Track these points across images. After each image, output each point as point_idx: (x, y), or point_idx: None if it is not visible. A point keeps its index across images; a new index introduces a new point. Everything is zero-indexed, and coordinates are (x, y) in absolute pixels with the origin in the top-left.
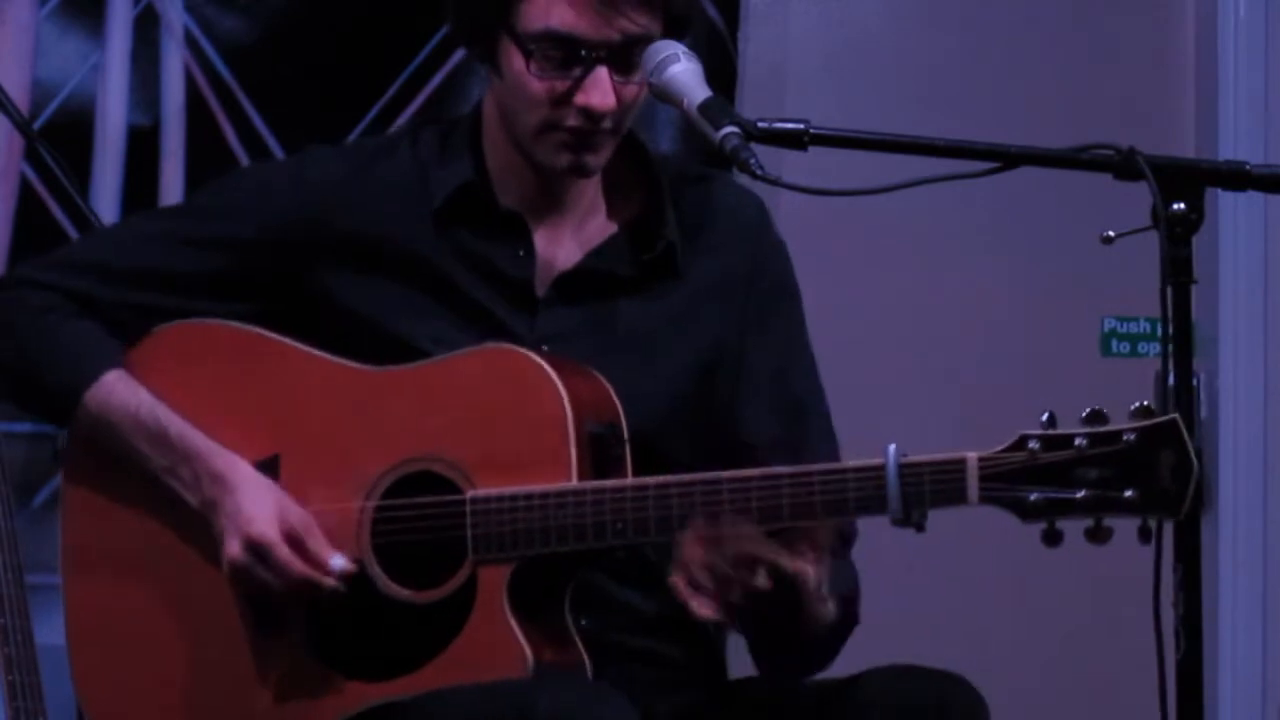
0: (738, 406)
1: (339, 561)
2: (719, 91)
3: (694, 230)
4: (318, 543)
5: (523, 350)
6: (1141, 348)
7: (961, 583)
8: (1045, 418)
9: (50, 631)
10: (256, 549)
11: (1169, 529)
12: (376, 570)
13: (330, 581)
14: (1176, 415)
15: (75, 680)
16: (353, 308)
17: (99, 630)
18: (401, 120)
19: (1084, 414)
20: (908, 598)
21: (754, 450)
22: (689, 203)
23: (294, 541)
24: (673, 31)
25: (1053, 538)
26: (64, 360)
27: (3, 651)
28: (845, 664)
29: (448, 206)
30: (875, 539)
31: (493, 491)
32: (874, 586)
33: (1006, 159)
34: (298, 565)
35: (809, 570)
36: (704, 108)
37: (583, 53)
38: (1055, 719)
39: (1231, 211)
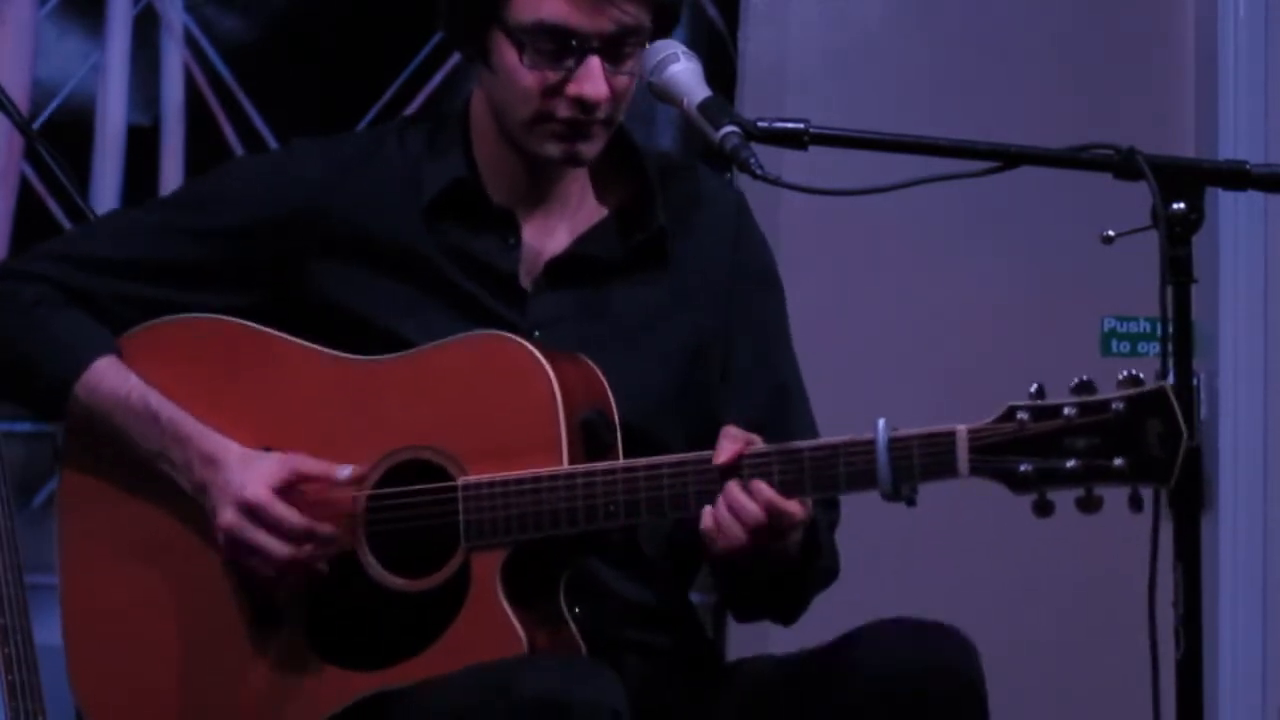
0: (723, 391)
1: (346, 471)
2: (719, 91)
3: (679, 218)
4: (317, 466)
5: (512, 337)
6: (1141, 348)
7: (958, 582)
8: (1034, 389)
9: (50, 631)
10: (251, 510)
11: (1166, 529)
12: (370, 559)
13: (328, 528)
14: (1165, 384)
15: (70, 672)
16: (343, 301)
17: (94, 622)
18: None
19: (1073, 384)
20: (904, 597)
21: None
22: (674, 191)
23: (293, 485)
24: (662, 22)
25: (1043, 508)
26: (54, 352)
27: (3, 651)
28: None
29: (438, 202)
30: (873, 539)
31: (484, 477)
32: (870, 583)
33: (1006, 159)
34: (294, 516)
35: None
36: (704, 107)
37: (574, 43)
38: (1053, 718)
39: (1231, 211)
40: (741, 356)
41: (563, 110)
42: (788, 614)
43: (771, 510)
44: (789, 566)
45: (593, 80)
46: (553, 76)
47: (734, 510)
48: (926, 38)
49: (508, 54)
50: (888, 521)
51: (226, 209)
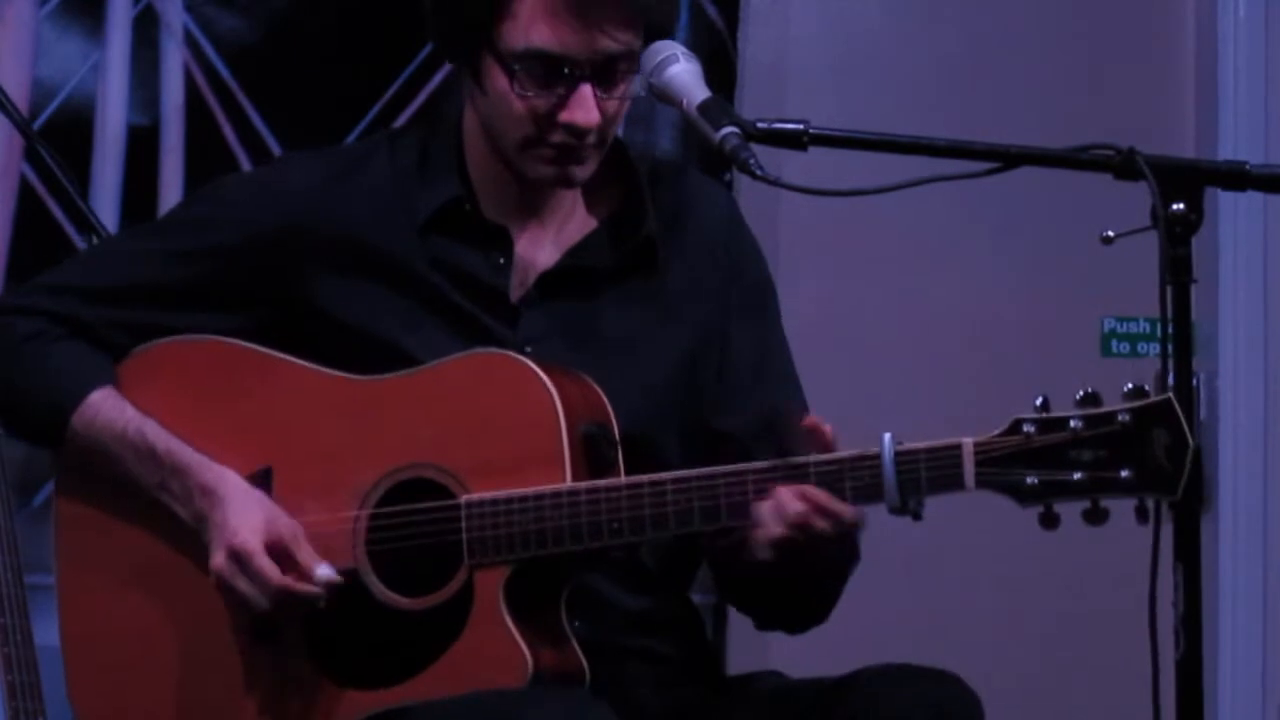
0: (720, 400)
1: (325, 571)
2: (719, 91)
3: (671, 223)
4: (304, 553)
5: (512, 354)
6: (1141, 348)
7: (959, 582)
8: (1039, 401)
9: (50, 632)
10: (238, 558)
11: (1167, 529)
12: (373, 578)
13: (308, 589)
14: (1171, 395)
15: (71, 698)
16: (338, 313)
17: (95, 647)
18: (401, 120)
19: (1078, 396)
20: (906, 598)
21: (735, 442)
22: (665, 196)
23: (278, 552)
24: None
25: (1050, 520)
26: (48, 386)
27: (2, 651)
28: (843, 660)
29: (432, 220)
30: (874, 540)
31: (486, 495)
32: (873, 586)
33: (1006, 159)
34: (275, 575)
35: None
36: (704, 108)
37: (566, 70)
38: (1054, 718)
39: (1231, 211)
40: (738, 365)
41: (554, 136)
42: (819, 616)
43: (820, 510)
44: (832, 568)
45: (584, 108)
46: (543, 103)
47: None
48: (926, 38)
49: (498, 79)
50: (885, 525)
51: (219, 228)
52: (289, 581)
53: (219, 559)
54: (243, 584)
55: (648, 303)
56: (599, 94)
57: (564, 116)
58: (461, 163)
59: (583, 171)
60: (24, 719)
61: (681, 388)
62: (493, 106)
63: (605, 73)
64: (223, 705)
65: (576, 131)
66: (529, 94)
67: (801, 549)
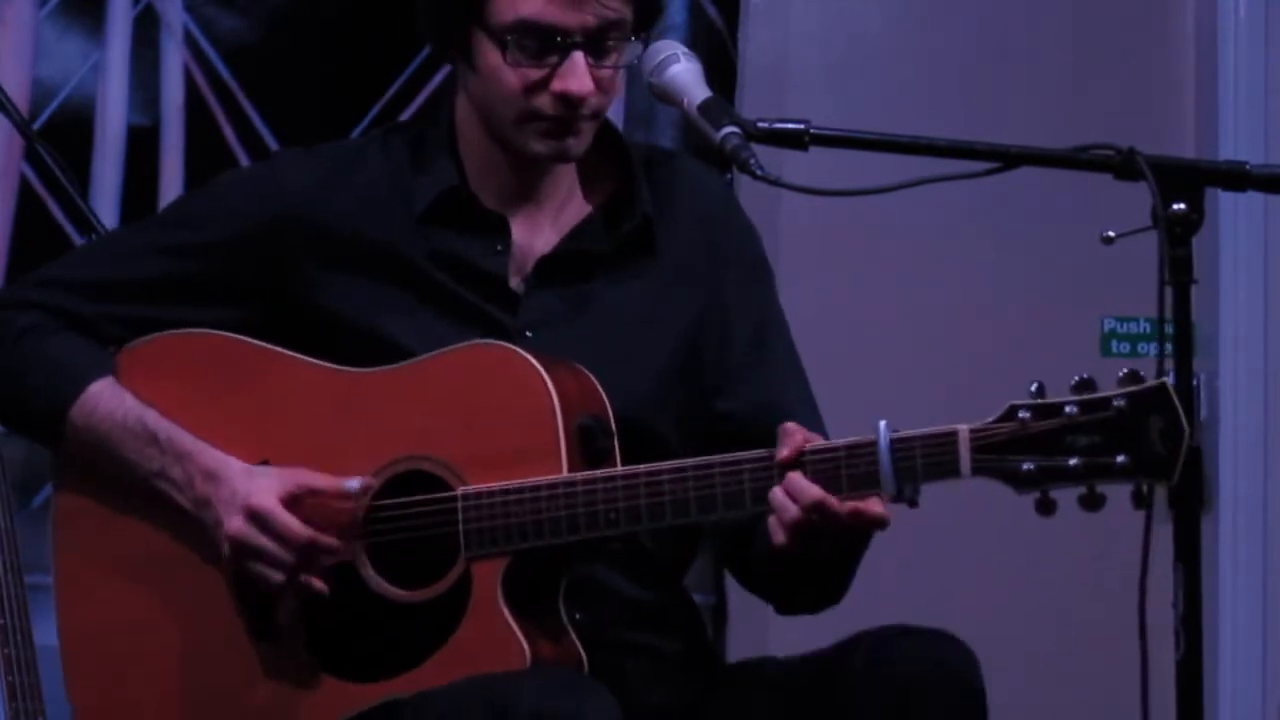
0: (721, 382)
1: (354, 483)
2: (719, 91)
3: (666, 208)
4: (324, 480)
5: (509, 346)
6: (1141, 348)
7: (957, 582)
8: (1034, 388)
9: (50, 632)
10: (258, 517)
11: (1167, 529)
12: (370, 571)
13: (332, 542)
14: (1166, 380)
15: (70, 693)
16: (337, 309)
17: (93, 641)
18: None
19: (1073, 382)
20: (906, 590)
21: (735, 424)
22: (659, 182)
23: (298, 500)
24: (645, 15)
25: (1046, 507)
26: (48, 378)
27: (2, 652)
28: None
29: (430, 210)
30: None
31: (483, 486)
32: (871, 577)
33: (1006, 159)
34: (300, 529)
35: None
36: (704, 108)
37: (557, 40)
38: (1052, 716)
39: (1231, 211)
40: (737, 345)
41: (548, 107)
42: (833, 596)
43: (839, 508)
44: (846, 549)
45: (577, 76)
46: (536, 74)
47: (792, 494)
48: (926, 38)
49: (490, 54)
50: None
51: (215, 223)
52: (313, 533)
53: (236, 523)
54: (266, 541)
55: (646, 285)
56: (591, 63)
57: (557, 86)
58: (456, 153)
59: (578, 145)
60: (24, 719)
61: (682, 369)
62: (486, 84)
63: (597, 41)
64: (221, 699)
65: (570, 102)
66: (521, 66)
67: (820, 530)
